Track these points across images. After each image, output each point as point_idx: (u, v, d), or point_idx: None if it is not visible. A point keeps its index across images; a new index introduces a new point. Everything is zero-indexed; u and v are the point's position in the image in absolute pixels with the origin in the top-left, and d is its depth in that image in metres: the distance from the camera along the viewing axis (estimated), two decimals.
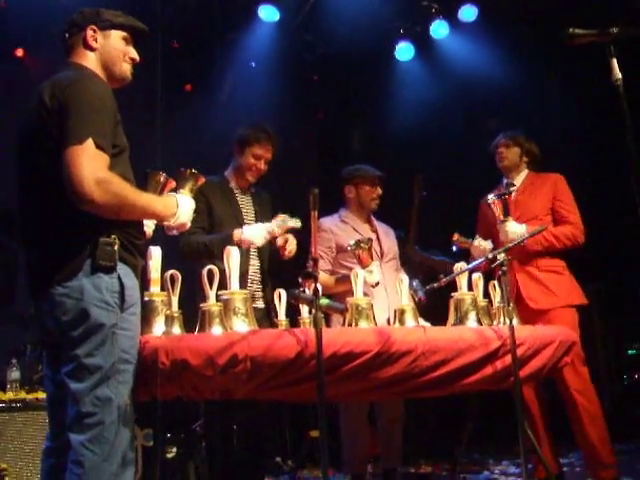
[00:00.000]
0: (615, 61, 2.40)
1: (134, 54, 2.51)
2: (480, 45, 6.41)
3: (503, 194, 3.74)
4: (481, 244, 3.82)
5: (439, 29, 6.49)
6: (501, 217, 3.76)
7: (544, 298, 3.85)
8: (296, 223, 3.45)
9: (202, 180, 2.69)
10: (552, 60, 6.09)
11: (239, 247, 2.99)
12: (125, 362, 2.22)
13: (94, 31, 2.44)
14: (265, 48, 6.48)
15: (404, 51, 6.70)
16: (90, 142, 2.14)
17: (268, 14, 6.18)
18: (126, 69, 2.49)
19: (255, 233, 3.42)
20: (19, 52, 6.01)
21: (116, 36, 2.47)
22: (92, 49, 2.44)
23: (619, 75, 2.40)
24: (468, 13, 6.34)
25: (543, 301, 3.85)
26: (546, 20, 5.70)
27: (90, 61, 2.43)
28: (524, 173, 4.15)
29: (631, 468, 4.32)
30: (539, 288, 3.87)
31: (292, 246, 3.52)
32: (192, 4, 6.07)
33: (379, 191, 4.10)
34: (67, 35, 2.46)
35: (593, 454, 3.72)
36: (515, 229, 3.75)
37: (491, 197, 3.74)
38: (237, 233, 3.41)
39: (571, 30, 2.47)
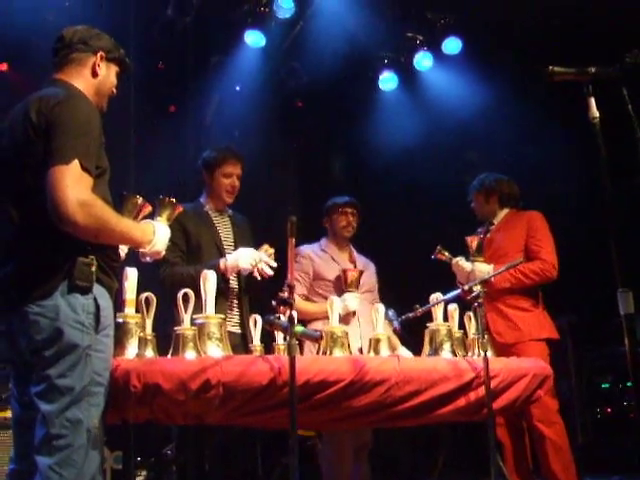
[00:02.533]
0: (592, 100, 2.45)
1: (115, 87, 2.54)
2: (463, 77, 6.48)
3: (484, 233, 3.94)
4: (463, 264, 3.91)
5: (423, 60, 6.55)
6: (472, 256, 3.90)
7: (510, 332, 3.92)
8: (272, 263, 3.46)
9: (180, 209, 2.70)
10: (535, 94, 6.17)
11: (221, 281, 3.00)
12: (97, 384, 2.19)
13: (102, 59, 2.44)
14: (250, 73, 6.50)
15: (388, 81, 6.75)
16: (76, 163, 2.13)
17: (254, 39, 6.21)
18: (106, 102, 2.52)
19: (239, 257, 3.41)
20: (2, 66, 5.99)
21: (114, 70, 2.50)
22: (95, 75, 2.44)
23: (596, 114, 2.44)
24: (452, 45, 6.41)
25: (508, 335, 3.91)
26: (529, 54, 5.79)
27: (83, 83, 2.40)
28: (504, 212, 4.21)
29: None
30: (505, 323, 3.95)
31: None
32: (179, 26, 6.10)
33: (350, 219, 4.13)
34: (62, 52, 2.43)
35: None
36: (482, 269, 3.85)
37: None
38: (222, 262, 3.40)
39: (550, 68, 2.51)
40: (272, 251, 3.47)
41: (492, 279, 3.79)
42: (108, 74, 2.47)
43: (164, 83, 6.49)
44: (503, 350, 3.71)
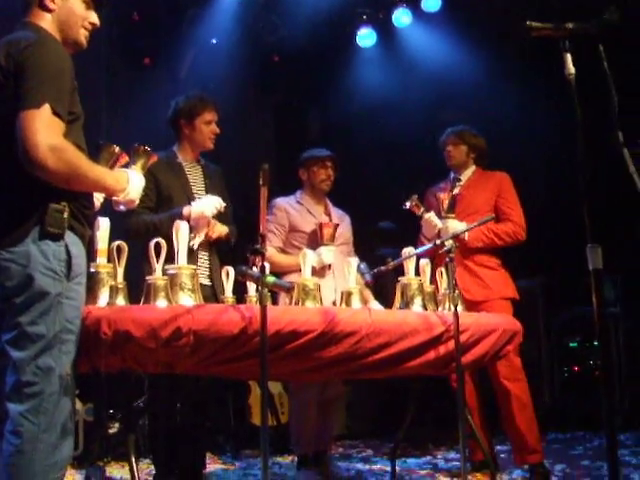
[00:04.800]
0: (569, 56, 2.44)
1: (94, 19, 2.40)
2: (442, 36, 6.45)
3: (451, 189, 3.92)
4: (433, 220, 3.91)
5: (402, 17, 6.49)
6: (443, 212, 3.91)
7: (479, 290, 3.97)
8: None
9: (154, 158, 2.67)
10: (512, 54, 6.17)
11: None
12: (69, 332, 2.17)
13: None
14: (227, 26, 6.40)
15: (366, 37, 6.69)
16: (47, 107, 2.09)
17: None
18: (82, 34, 2.39)
19: (204, 205, 3.39)
20: None
21: (78, 0, 2.36)
22: (49, 10, 2.32)
23: (572, 70, 2.43)
24: (432, 3, 6.36)
25: (478, 293, 3.96)
26: (508, 13, 5.76)
27: (46, 22, 2.31)
28: (471, 169, 4.23)
29: (565, 455, 4.47)
30: (474, 281, 3.99)
31: (216, 229, 3.50)
32: None
33: (329, 172, 4.13)
34: None
35: (521, 440, 3.81)
36: (456, 226, 3.86)
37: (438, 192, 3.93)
38: (186, 209, 3.37)
39: (528, 23, 2.50)
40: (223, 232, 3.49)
41: (466, 237, 3.84)
42: (68, 6, 2.33)
43: (139, 35, 6.38)
44: (471, 307, 3.76)
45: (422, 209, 3.91)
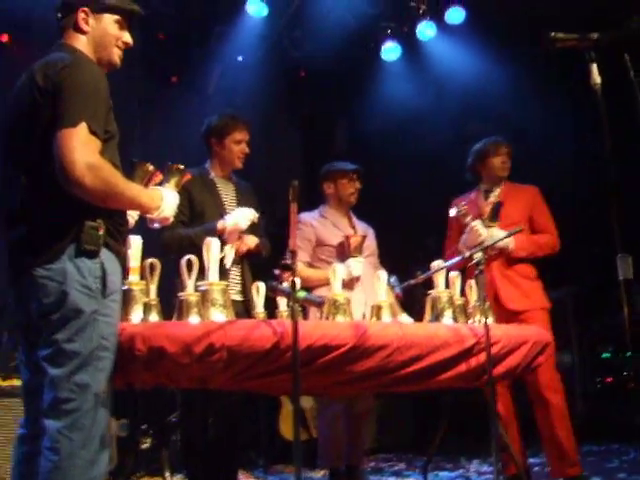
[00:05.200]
0: (595, 66, 2.45)
1: (127, 38, 2.45)
2: (466, 48, 6.45)
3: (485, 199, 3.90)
4: (479, 228, 3.86)
5: (426, 30, 6.51)
6: (486, 221, 3.88)
7: (521, 300, 3.95)
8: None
9: (188, 176, 2.70)
10: (537, 64, 6.15)
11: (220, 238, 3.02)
12: (104, 349, 2.20)
13: (86, 13, 2.37)
14: (252, 43, 6.49)
15: (390, 51, 6.71)
16: (84, 126, 2.12)
17: (256, 9, 6.17)
18: (116, 54, 2.44)
19: (237, 217, 3.43)
20: (4, 37, 5.97)
21: (109, 20, 2.40)
22: (83, 32, 2.38)
23: (598, 80, 2.44)
24: (455, 15, 6.36)
25: (520, 303, 3.94)
26: (532, 23, 5.75)
27: (81, 44, 2.37)
28: (503, 182, 4.19)
29: (601, 467, 4.41)
30: (516, 291, 3.97)
31: (249, 241, 3.54)
32: None
33: (357, 185, 4.16)
34: (60, 15, 2.41)
35: (560, 452, 3.77)
36: (499, 235, 3.82)
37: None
38: (220, 223, 3.42)
39: (552, 34, 2.52)
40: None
41: (511, 248, 3.87)
42: (102, 27, 2.39)
43: (165, 54, 6.48)
44: (512, 317, 3.77)
45: (469, 217, 3.87)
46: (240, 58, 6.70)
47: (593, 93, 2.45)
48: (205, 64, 6.58)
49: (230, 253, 3.41)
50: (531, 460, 4.37)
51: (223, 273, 3.06)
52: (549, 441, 3.82)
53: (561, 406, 3.81)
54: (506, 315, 3.80)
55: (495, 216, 3.90)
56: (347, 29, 6.33)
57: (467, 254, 3.31)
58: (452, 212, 3.87)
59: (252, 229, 3.55)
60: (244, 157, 3.74)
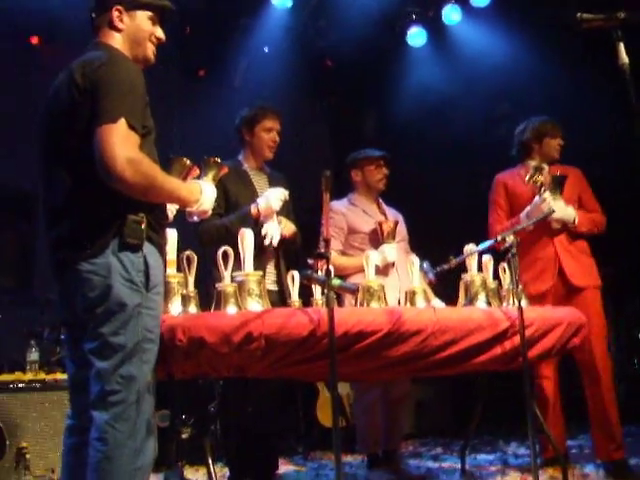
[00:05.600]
0: (622, 45, 2.43)
1: (160, 34, 2.49)
2: (493, 30, 6.40)
3: (536, 175, 3.80)
4: (550, 202, 3.78)
5: (451, 14, 6.48)
6: (552, 193, 3.81)
7: (583, 276, 3.92)
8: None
9: (225, 170, 2.73)
10: (565, 46, 6.08)
11: (255, 227, 3.07)
12: (149, 341, 2.23)
13: (120, 11, 2.41)
14: (278, 33, 6.51)
15: (416, 36, 6.69)
16: (123, 121, 2.16)
17: (281, 0, 6.21)
18: (150, 50, 2.48)
19: (269, 198, 3.46)
20: (34, 40, 6.07)
21: (142, 16, 2.44)
22: (118, 30, 2.42)
23: (626, 59, 2.43)
24: None
25: (583, 279, 3.91)
26: (560, 5, 5.70)
27: (116, 41, 2.41)
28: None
29: (639, 449, 4.38)
30: (578, 266, 3.94)
31: (286, 228, 3.58)
32: None
33: (385, 171, 4.18)
34: (94, 15, 2.45)
35: (609, 433, 3.76)
36: (567, 210, 3.85)
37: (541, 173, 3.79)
38: (253, 207, 3.46)
39: (579, 15, 2.50)
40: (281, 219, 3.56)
41: (577, 222, 3.87)
42: (136, 23, 2.43)
43: (192, 48, 6.53)
44: (573, 292, 3.83)
45: (544, 188, 3.80)
46: (266, 49, 6.73)
47: (621, 73, 2.44)
48: (232, 57, 6.62)
49: (274, 230, 3.46)
50: (569, 442, 4.37)
51: (259, 263, 3.10)
52: (598, 421, 3.80)
53: (611, 387, 3.81)
54: (568, 290, 3.83)
55: (560, 189, 3.83)
56: (371, 16, 6.33)
57: (499, 238, 3.28)
58: (527, 178, 3.80)
59: (285, 214, 3.59)
60: (274, 146, 3.78)
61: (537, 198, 3.82)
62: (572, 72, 6.01)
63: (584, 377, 3.86)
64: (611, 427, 3.77)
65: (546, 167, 3.92)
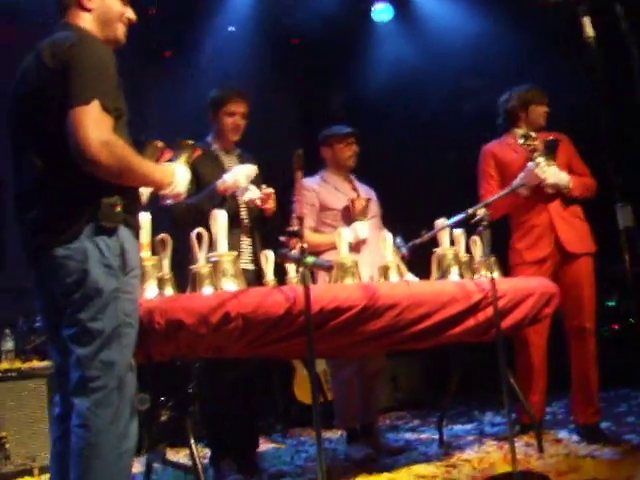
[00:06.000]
0: (587, 19, 2.47)
1: (131, 14, 2.44)
2: (459, 4, 6.41)
3: (528, 141, 3.79)
4: (544, 167, 3.76)
5: None
6: (550, 160, 3.77)
7: (578, 243, 3.94)
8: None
9: (198, 152, 2.70)
10: (531, 16, 6.11)
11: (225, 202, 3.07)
12: (128, 326, 2.21)
13: None
14: (244, 13, 6.47)
15: (382, 12, 6.69)
16: (96, 103, 2.11)
17: None
18: (121, 31, 2.43)
19: (236, 175, 3.46)
20: None
21: None
22: (87, 10, 2.36)
23: (591, 33, 2.47)
24: None
25: (578, 245, 3.93)
26: None
27: (86, 22, 2.35)
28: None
29: (610, 412, 4.50)
30: (573, 232, 3.95)
31: (273, 202, 3.59)
32: None
33: (354, 148, 4.19)
34: None
35: (590, 398, 3.84)
36: (560, 175, 3.85)
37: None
38: (220, 183, 3.45)
39: None
40: (270, 191, 3.55)
41: (571, 186, 3.87)
42: (106, 4, 2.38)
43: (157, 29, 6.45)
44: (569, 259, 3.87)
45: (537, 152, 3.76)
46: (232, 28, 6.68)
47: (587, 46, 2.47)
48: (198, 37, 6.56)
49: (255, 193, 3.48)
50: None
51: (234, 243, 3.11)
52: (581, 386, 3.87)
53: (596, 353, 3.87)
54: (563, 256, 3.87)
55: (553, 154, 3.76)
56: None
57: (470, 211, 3.29)
58: (521, 141, 3.79)
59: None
60: (238, 129, 3.74)
61: (531, 163, 3.79)
62: (541, 45, 6.05)
63: (571, 342, 3.91)
64: (592, 392, 3.85)
65: (534, 134, 3.89)
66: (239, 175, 3.45)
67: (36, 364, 4.17)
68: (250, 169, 3.49)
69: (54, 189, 2.20)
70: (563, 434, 3.99)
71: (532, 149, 3.76)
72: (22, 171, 2.28)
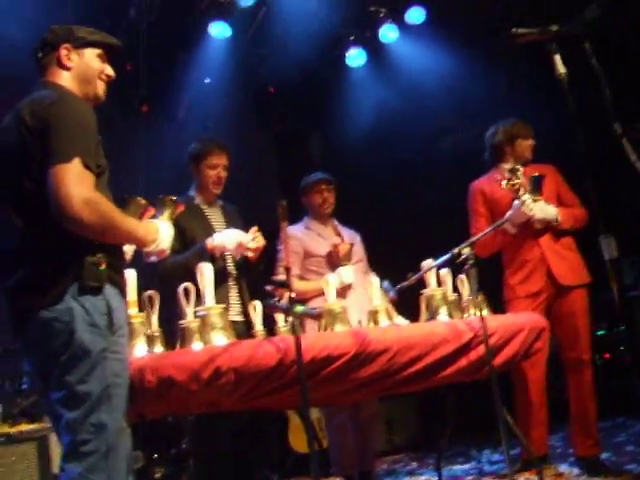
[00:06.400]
0: (558, 57, 2.52)
1: (110, 71, 2.46)
2: (430, 46, 6.51)
3: (510, 178, 3.73)
4: (529, 204, 3.74)
5: (388, 33, 6.56)
6: (531, 194, 3.73)
7: (572, 275, 3.93)
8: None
9: (181, 208, 2.69)
10: (503, 58, 6.22)
11: (214, 261, 3.07)
12: (117, 386, 2.17)
13: (68, 50, 2.38)
14: (219, 64, 6.51)
15: (356, 57, 6.77)
16: (77, 161, 2.10)
17: (219, 31, 6.21)
18: (101, 88, 2.45)
19: (225, 238, 3.47)
20: None
21: (91, 54, 2.41)
22: (67, 68, 2.38)
23: (563, 70, 2.52)
24: (416, 15, 6.42)
25: (571, 278, 3.92)
26: (493, 19, 5.83)
27: (65, 80, 2.36)
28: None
29: (609, 442, 4.47)
30: (565, 265, 3.94)
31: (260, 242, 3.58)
32: (142, 26, 6.10)
33: (324, 195, 4.20)
34: (40, 55, 2.41)
35: (589, 430, 3.82)
36: (548, 209, 3.86)
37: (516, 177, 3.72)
38: (209, 241, 3.45)
39: (513, 30, 2.59)
40: (262, 244, 3.55)
41: (560, 220, 3.87)
42: (85, 61, 2.40)
43: (133, 84, 6.50)
44: (563, 292, 3.86)
45: (522, 191, 3.71)
46: (208, 80, 6.73)
47: (559, 82, 2.52)
48: (174, 90, 6.61)
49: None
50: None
51: (221, 295, 3.09)
52: (580, 419, 3.85)
53: (593, 384, 3.85)
54: (557, 289, 3.87)
55: (539, 189, 3.72)
56: (310, 41, 6.37)
57: (455, 250, 3.31)
58: (504, 184, 3.72)
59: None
60: (220, 182, 3.75)
61: (517, 202, 3.78)
62: (512, 81, 6.15)
63: (569, 375, 3.90)
64: (591, 424, 3.83)
65: (521, 168, 3.84)
66: (228, 238, 3.46)
67: (24, 427, 4.09)
68: (238, 235, 3.50)
69: (36, 250, 2.17)
70: (564, 468, 3.97)
71: (516, 188, 3.72)
72: (2, 232, 2.25)
